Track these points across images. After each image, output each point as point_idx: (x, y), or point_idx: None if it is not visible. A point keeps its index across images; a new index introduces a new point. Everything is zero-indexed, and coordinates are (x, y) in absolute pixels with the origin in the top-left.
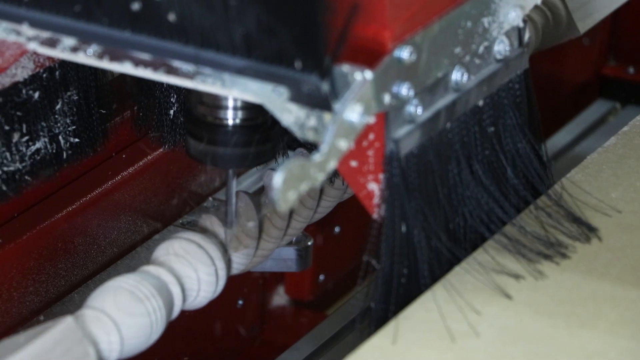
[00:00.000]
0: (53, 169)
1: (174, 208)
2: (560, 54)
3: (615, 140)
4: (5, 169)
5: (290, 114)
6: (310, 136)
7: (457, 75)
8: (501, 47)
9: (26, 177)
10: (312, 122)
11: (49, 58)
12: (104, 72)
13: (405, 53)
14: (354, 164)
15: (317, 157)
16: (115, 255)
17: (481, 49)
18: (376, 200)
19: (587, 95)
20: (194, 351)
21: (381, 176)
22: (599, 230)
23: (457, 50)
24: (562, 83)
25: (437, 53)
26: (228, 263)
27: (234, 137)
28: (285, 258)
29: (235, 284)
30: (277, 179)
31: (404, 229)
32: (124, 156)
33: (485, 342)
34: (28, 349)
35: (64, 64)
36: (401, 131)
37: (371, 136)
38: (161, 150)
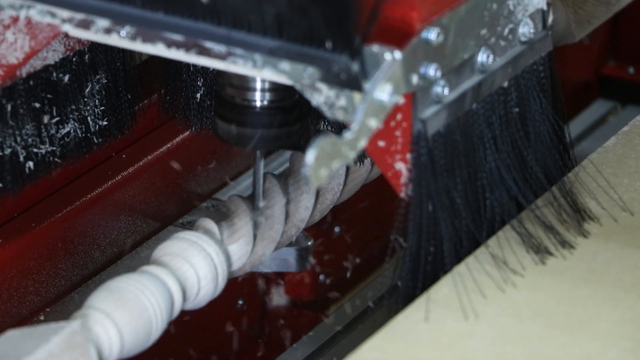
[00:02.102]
0: (82, 152)
1: (174, 208)
2: (560, 54)
3: (615, 140)
4: (35, 150)
5: (320, 94)
6: (339, 116)
7: (482, 57)
8: (526, 30)
9: (56, 160)
10: (342, 102)
11: (79, 41)
12: (131, 56)
13: (432, 34)
14: (381, 144)
15: (348, 135)
16: (115, 255)
17: (506, 31)
18: (403, 179)
19: (587, 95)
20: (194, 351)
21: (408, 156)
22: (599, 230)
23: (483, 32)
24: (562, 83)
25: (464, 35)
26: (228, 263)
27: (261, 119)
28: (285, 258)
29: (235, 284)
30: (310, 156)
31: (430, 207)
32: (123, 156)
33: (485, 342)
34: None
35: (93, 47)
36: (428, 111)
37: (399, 116)
38: (161, 150)
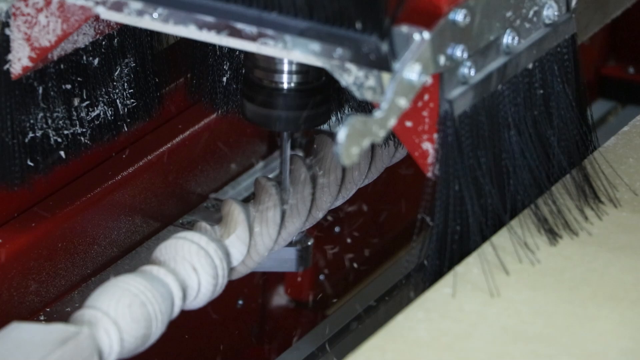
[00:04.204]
0: (111, 134)
1: (174, 208)
2: None
3: (615, 140)
4: (65, 132)
5: (349, 75)
6: (368, 96)
7: (508, 39)
8: (550, 12)
9: (86, 141)
10: (371, 82)
11: (109, 25)
12: (159, 39)
13: (459, 16)
14: (409, 124)
15: (378, 113)
16: (115, 255)
17: (531, 13)
18: (430, 159)
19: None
20: (194, 351)
21: (435, 136)
22: (600, 230)
23: (509, 14)
24: None
25: (490, 16)
26: (228, 263)
27: (288, 101)
28: (285, 258)
29: (235, 284)
30: (341, 134)
31: (457, 187)
32: (123, 156)
33: (485, 342)
34: None
35: (122, 31)
36: (455, 92)
37: (426, 97)
38: (160, 150)
